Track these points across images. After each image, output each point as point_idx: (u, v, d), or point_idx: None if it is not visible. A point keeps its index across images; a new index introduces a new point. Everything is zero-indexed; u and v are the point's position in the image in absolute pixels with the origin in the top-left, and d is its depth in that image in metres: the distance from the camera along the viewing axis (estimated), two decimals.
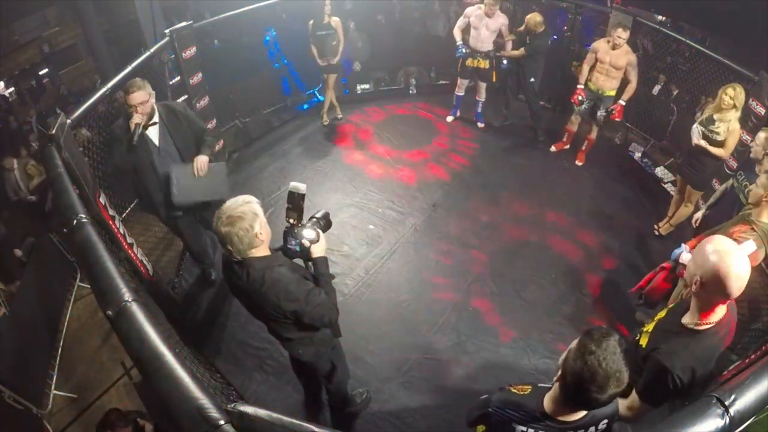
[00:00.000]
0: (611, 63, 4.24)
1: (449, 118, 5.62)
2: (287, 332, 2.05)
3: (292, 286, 1.84)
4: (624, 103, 4.37)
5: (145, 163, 2.92)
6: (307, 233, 1.97)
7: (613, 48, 4.20)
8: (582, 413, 1.36)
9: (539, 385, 1.49)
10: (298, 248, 1.97)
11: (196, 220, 3.33)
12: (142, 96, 2.75)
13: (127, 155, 2.82)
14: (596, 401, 1.22)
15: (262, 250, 1.82)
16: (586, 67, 4.47)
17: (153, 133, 2.93)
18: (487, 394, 1.56)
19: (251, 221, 1.73)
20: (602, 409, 1.35)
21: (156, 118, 2.91)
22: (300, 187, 1.96)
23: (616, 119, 4.44)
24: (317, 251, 2.00)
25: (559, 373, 1.30)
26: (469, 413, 1.62)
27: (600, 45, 4.32)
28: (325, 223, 2.11)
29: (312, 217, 2.08)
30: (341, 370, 2.50)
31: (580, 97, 4.49)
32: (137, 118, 2.75)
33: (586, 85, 4.50)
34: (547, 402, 1.39)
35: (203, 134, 3.11)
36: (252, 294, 1.86)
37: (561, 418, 1.36)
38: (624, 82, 4.38)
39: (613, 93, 4.40)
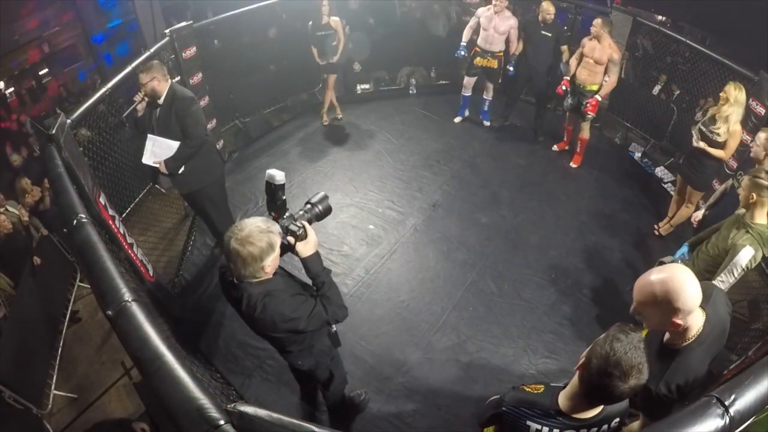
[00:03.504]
0: (594, 58, 4.29)
1: (457, 119, 5.61)
2: (288, 346, 2.03)
3: (287, 309, 1.77)
4: (600, 99, 4.36)
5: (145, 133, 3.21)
6: (293, 228, 1.74)
7: (595, 39, 4.24)
8: (597, 410, 1.37)
9: (551, 384, 1.50)
10: (285, 242, 1.76)
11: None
12: (144, 77, 2.98)
13: (134, 119, 3.18)
14: (617, 390, 1.22)
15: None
16: (574, 62, 4.52)
17: (157, 112, 3.15)
18: (496, 395, 1.57)
19: (263, 252, 1.64)
20: (615, 406, 1.38)
21: (161, 101, 3.11)
22: (275, 176, 1.72)
23: (590, 113, 4.41)
24: (304, 250, 1.80)
25: (582, 361, 1.31)
26: (481, 414, 1.63)
27: (586, 40, 4.38)
28: (323, 209, 1.86)
29: (307, 203, 1.86)
30: (339, 379, 2.50)
31: (564, 87, 4.54)
32: (138, 96, 3.03)
33: (572, 80, 4.52)
34: (563, 399, 1.40)
35: (184, 141, 3.16)
36: (249, 318, 1.81)
37: (576, 415, 1.37)
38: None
39: (594, 87, 4.41)
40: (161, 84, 3.03)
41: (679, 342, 1.59)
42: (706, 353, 1.61)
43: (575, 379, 1.35)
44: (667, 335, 1.65)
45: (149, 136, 3.15)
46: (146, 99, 3.06)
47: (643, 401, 1.68)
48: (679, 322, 1.47)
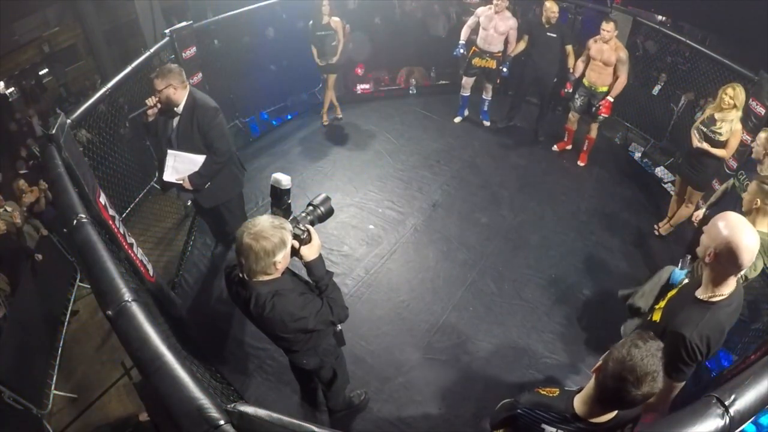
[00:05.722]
0: (602, 59, 4.29)
1: (457, 119, 5.61)
2: (294, 345, 2.02)
3: (296, 308, 1.78)
4: (612, 100, 4.37)
5: (160, 142, 3.04)
6: (297, 231, 1.75)
7: (604, 42, 4.23)
8: (611, 415, 1.38)
9: (566, 388, 1.52)
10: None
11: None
12: (158, 84, 2.78)
13: (145, 124, 2.96)
14: (629, 395, 1.24)
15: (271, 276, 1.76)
16: (580, 64, 4.52)
17: (175, 121, 2.97)
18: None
19: (276, 247, 1.65)
20: (628, 412, 1.39)
21: (179, 110, 2.91)
22: (281, 181, 1.75)
23: (603, 114, 4.43)
24: (308, 254, 1.80)
25: (599, 364, 1.34)
26: (494, 416, 1.65)
27: (592, 42, 4.38)
28: (325, 210, 1.87)
29: (309, 204, 1.87)
30: (341, 378, 2.50)
31: (566, 90, 4.57)
32: (151, 101, 2.82)
33: (581, 82, 4.52)
34: (578, 403, 1.41)
35: (209, 154, 3.02)
36: (257, 318, 1.82)
37: (591, 420, 1.39)
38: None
39: (605, 89, 4.42)
40: (177, 92, 2.82)
41: (713, 297, 1.65)
42: (728, 319, 1.67)
43: (591, 382, 1.37)
44: (699, 290, 1.70)
45: (169, 151, 2.97)
46: (158, 106, 2.85)
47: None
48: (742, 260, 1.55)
